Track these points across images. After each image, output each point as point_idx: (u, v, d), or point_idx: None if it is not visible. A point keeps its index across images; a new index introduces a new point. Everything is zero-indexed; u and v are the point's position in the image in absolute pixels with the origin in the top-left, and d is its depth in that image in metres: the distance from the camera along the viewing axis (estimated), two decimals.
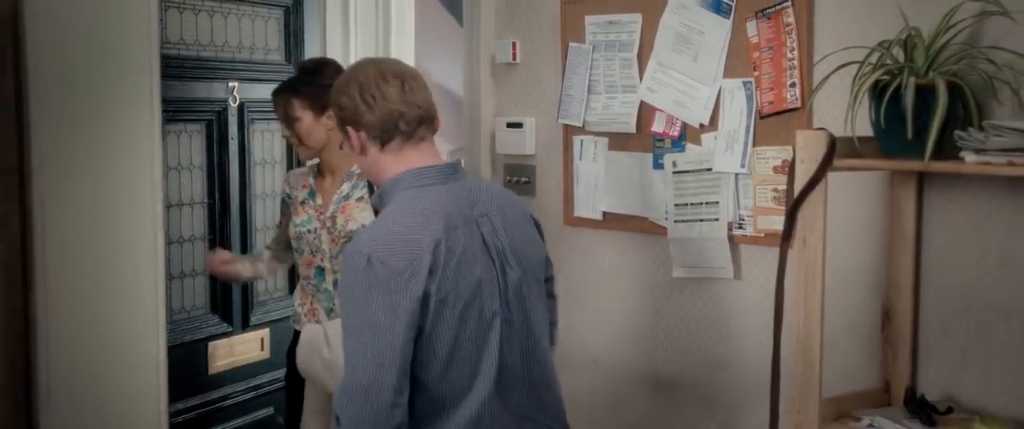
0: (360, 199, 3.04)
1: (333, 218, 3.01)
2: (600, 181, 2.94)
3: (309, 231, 3.03)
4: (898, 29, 2.18)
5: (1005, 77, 2.08)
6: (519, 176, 3.18)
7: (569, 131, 3.02)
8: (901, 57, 2.14)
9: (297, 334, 3.08)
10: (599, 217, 2.95)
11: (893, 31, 2.19)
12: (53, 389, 2.05)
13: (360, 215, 3.00)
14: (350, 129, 2.08)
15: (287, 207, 3.13)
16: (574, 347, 3.01)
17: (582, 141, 2.96)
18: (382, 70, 2.09)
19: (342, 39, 4.06)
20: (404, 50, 4.15)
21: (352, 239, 2.14)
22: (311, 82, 2.93)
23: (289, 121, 2.93)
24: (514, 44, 3.16)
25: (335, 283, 3.02)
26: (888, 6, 2.28)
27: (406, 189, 2.05)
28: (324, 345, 2.90)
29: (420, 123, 2.08)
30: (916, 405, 2.19)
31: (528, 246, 2.16)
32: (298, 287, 3.10)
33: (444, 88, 5.46)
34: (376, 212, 2.16)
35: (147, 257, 2.10)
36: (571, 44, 2.96)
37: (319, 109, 2.91)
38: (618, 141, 2.87)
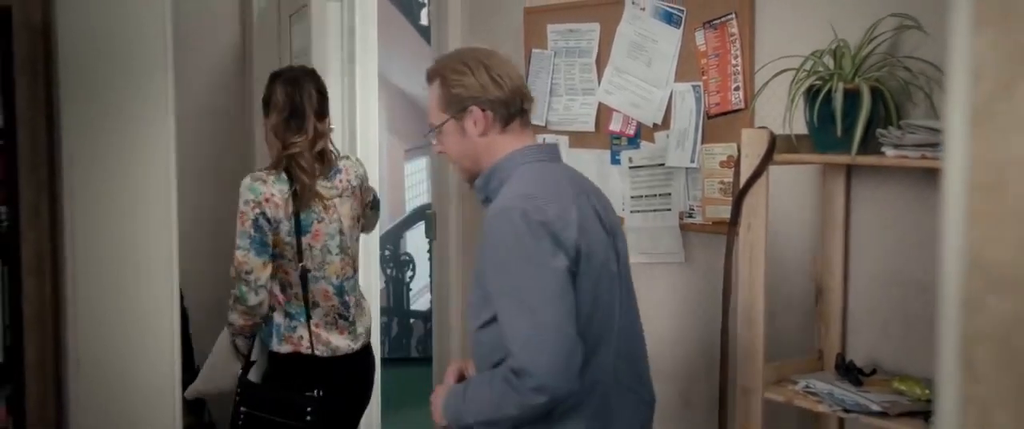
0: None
1: None
2: None
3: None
4: (829, 40, 2.29)
5: (919, 82, 2.20)
6: None
7: (533, 130, 3.18)
8: (831, 65, 2.25)
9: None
10: None
11: (824, 42, 2.30)
12: (82, 363, 2.21)
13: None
14: (473, 109, 1.97)
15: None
16: None
17: (545, 139, 3.07)
18: (495, 53, 2.06)
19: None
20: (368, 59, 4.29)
21: (495, 203, 1.95)
22: (266, 91, 2.77)
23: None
24: None
25: None
26: (820, 20, 2.39)
27: (528, 162, 1.98)
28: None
29: (530, 109, 2.06)
30: (845, 369, 2.33)
31: (620, 230, 2.11)
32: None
33: (402, 90, 5.62)
34: (486, 200, 2.02)
35: (162, 244, 2.26)
36: (534, 50, 3.11)
37: (265, 115, 2.74)
38: (578, 139, 3.03)
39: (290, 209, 2.68)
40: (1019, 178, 0.74)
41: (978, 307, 0.76)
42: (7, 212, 2.33)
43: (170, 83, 2.17)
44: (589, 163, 2.97)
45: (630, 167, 2.90)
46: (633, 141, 2.90)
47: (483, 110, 1.97)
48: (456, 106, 1.99)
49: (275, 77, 2.79)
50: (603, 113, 2.96)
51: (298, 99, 2.71)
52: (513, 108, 1.98)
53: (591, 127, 2.99)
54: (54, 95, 2.21)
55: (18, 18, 2.17)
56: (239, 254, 2.62)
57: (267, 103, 2.75)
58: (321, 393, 2.68)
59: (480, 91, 1.96)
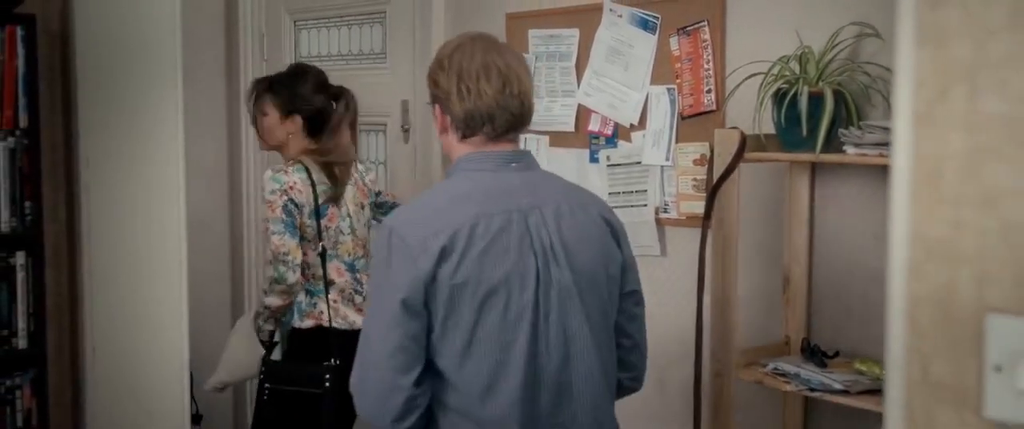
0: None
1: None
2: None
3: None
4: (794, 47, 2.40)
5: (878, 86, 2.32)
6: None
7: (506, 143, 3.26)
8: (797, 70, 2.35)
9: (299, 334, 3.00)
10: None
11: (790, 48, 2.41)
12: (97, 350, 2.32)
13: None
14: (438, 108, 1.94)
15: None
16: None
17: (525, 139, 3.14)
18: (487, 63, 1.88)
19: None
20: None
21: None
22: (287, 86, 3.04)
23: (257, 113, 3.08)
24: None
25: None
26: (786, 28, 2.49)
27: (458, 172, 1.91)
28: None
29: (509, 128, 1.91)
30: (810, 352, 2.45)
31: (587, 248, 1.90)
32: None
33: None
34: None
35: (172, 238, 2.38)
36: None
37: (286, 112, 3.01)
38: (558, 139, 3.13)
39: (311, 194, 2.94)
40: (953, 169, 0.90)
41: (919, 274, 0.92)
42: (32, 207, 2.44)
43: (180, 87, 2.29)
44: (569, 162, 3.09)
45: (608, 165, 3.01)
46: (611, 141, 3.00)
47: (443, 113, 1.93)
48: (431, 96, 1.97)
49: (321, 85, 3.12)
50: (582, 114, 3.07)
51: (341, 111, 3.09)
52: (471, 125, 1.88)
53: (571, 127, 3.10)
54: (71, 98, 2.32)
55: (40, 25, 2.29)
56: (276, 238, 2.88)
57: (296, 101, 3.07)
58: (338, 362, 2.90)
59: (444, 95, 1.90)
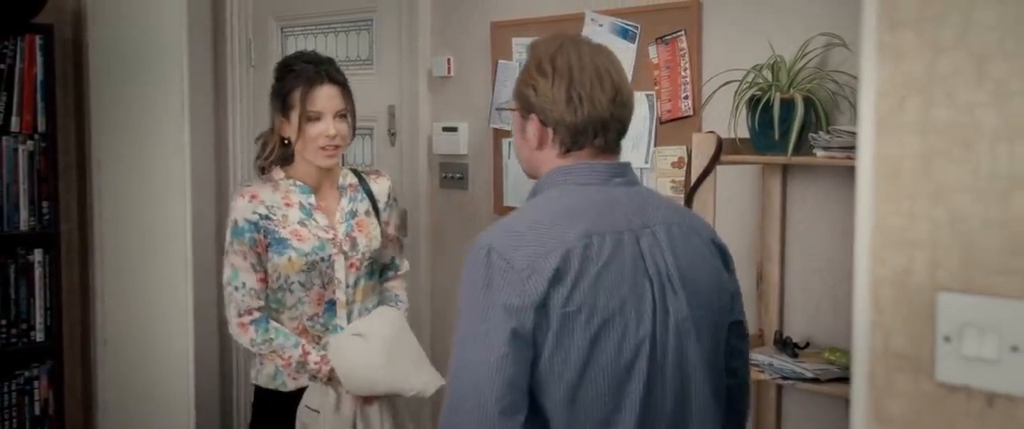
0: (368, 213, 2.62)
1: (351, 239, 2.54)
2: (526, 176, 3.29)
3: (322, 259, 2.47)
4: (767, 56, 2.48)
5: (845, 93, 2.41)
6: (453, 172, 3.50)
7: (499, 134, 3.31)
8: (769, 77, 2.43)
9: (265, 394, 2.51)
10: None
11: (763, 57, 2.48)
12: (108, 341, 2.41)
13: (376, 231, 2.60)
14: (535, 119, 1.66)
15: (255, 237, 2.44)
16: None
17: (510, 143, 3.23)
18: (598, 68, 1.65)
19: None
20: None
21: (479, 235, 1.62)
22: (276, 80, 2.57)
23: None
24: (449, 60, 3.46)
25: (351, 314, 2.54)
26: (759, 38, 2.57)
27: (557, 185, 1.66)
28: (373, 351, 2.43)
29: (618, 140, 1.70)
30: (783, 343, 2.55)
31: (702, 274, 1.68)
32: (270, 333, 2.45)
33: None
34: None
35: (177, 236, 2.47)
36: (500, 61, 3.29)
37: (280, 110, 2.51)
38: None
39: None
40: (910, 168, 1.04)
41: (881, 259, 1.06)
42: (49, 207, 2.53)
43: (186, 92, 2.38)
44: None
45: None
46: None
47: (544, 125, 1.66)
48: (523, 104, 1.69)
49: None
50: None
51: None
52: (581, 139, 1.64)
53: None
54: (85, 103, 2.41)
55: (56, 34, 2.39)
56: None
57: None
58: None
59: (550, 105, 1.64)
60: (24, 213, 2.46)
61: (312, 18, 4.04)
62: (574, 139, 1.65)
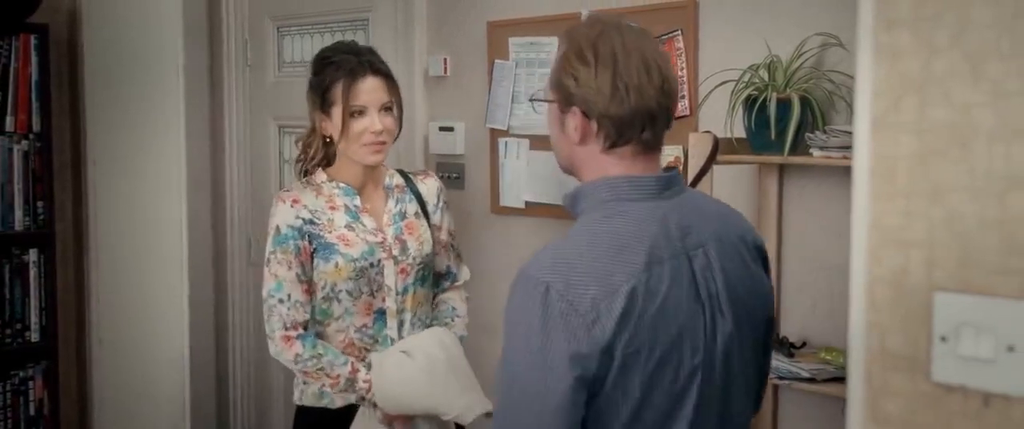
0: (417, 215, 2.47)
1: (401, 242, 2.40)
2: (523, 176, 3.27)
3: (372, 264, 2.33)
4: (763, 56, 2.46)
5: (841, 93, 2.40)
6: (450, 172, 3.50)
7: (495, 134, 3.32)
8: (766, 77, 2.42)
9: (308, 412, 2.37)
10: (522, 206, 3.27)
11: (760, 57, 2.48)
12: (104, 341, 2.41)
13: (427, 234, 2.44)
14: (577, 111, 1.53)
15: (299, 244, 2.29)
16: (500, 316, 3.20)
17: (507, 143, 3.30)
18: (645, 54, 1.52)
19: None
20: None
21: (531, 259, 1.51)
22: (313, 74, 2.40)
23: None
24: (445, 60, 3.47)
25: (402, 324, 2.39)
26: (756, 37, 2.56)
27: (604, 202, 1.53)
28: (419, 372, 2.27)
29: (663, 133, 1.58)
30: (779, 343, 2.52)
31: (746, 286, 1.61)
32: (318, 349, 2.29)
33: None
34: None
35: (173, 236, 2.47)
36: (497, 61, 3.29)
37: (319, 106, 2.36)
38: (538, 142, 3.20)
39: None
40: (905, 167, 1.04)
41: (877, 259, 1.06)
42: (44, 207, 2.53)
43: (182, 91, 2.38)
44: (548, 164, 3.06)
45: None
46: None
47: (587, 118, 1.53)
48: (562, 96, 1.56)
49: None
50: None
51: None
52: (628, 133, 1.53)
53: None
54: (79, 102, 2.41)
55: (52, 34, 2.39)
56: None
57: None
58: None
59: (593, 95, 1.51)
60: (19, 213, 2.46)
61: (308, 18, 4.04)
62: (620, 133, 1.53)
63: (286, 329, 2.27)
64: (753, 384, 1.67)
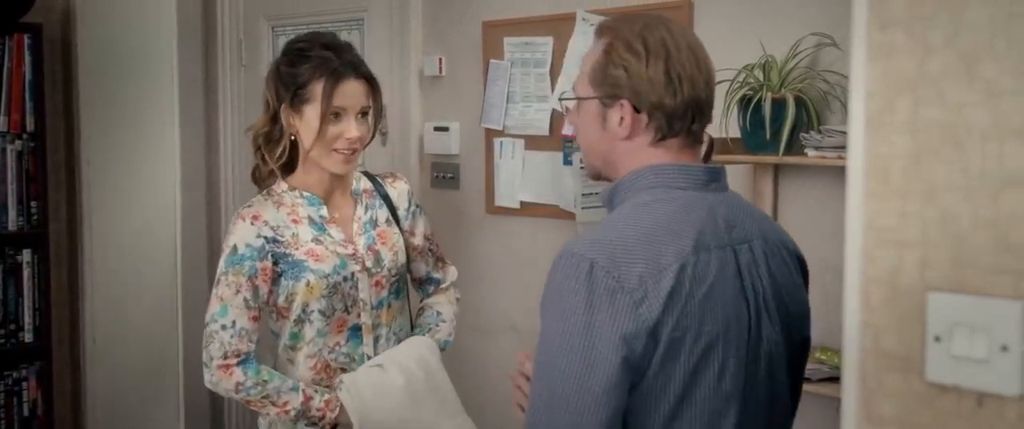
0: (389, 222, 2.29)
1: (374, 253, 2.22)
2: (518, 176, 3.27)
3: (345, 279, 2.15)
4: (758, 56, 2.47)
5: (836, 93, 2.40)
6: (445, 172, 3.51)
7: (490, 134, 3.32)
8: (761, 77, 2.42)
9: None
10: (517, 206, 3.27)
11: (754, 57, 2.48)
12: (97, 339, 2.40)
13: (400, 242, 2.28)
14: (625, 104, 1.47)
15: (256, 265, 2.09)
16: (496, 317, 3.28)
17: (502, 142, 3.30)
18: (693, 47, 1.49)
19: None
20: None
21: (567, 243, 1.43)
22: (285, 65, 2.18)
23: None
24: (440, 59, 3.47)
25: (378, 339, 2.22)
26: (750, 38, 2.56)
27: (650, 188, 1.47)
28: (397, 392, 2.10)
29: (707, 124, 1.56)
30: None
31: (791, 295, 1.56)
32: (263, 375, 2.10)
33: None
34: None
35: (167, 236, 2.47)
36: (492, 61, 3.29)
37: (289, 101, 2.15)
38: (533, 142, 3.22)
39: None
40: (900, 167, 1.04)
41: (871, 259, 1.06)
42: (37, 207, 2.52)
43: (176, 91, 2.39)
44: (543, 164, 3.20)
45: (581, 168, 3.04)
46: None
47: (636, 110, 1.48)
48: (609, 89, 1.49)
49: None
50: (557, 118, 3.15)
51: None
52: (679, 125, 1.49)
53: (545, 131, 3.19)
54: (73, 102, 2.41)
55: (44, 33, 2.38)
56: None
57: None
58: None
59: (646, 87, 1.46)
60: (12, 213, 2.45)
61: (303, 17, 4.03)
62: (671, 125, 1.49)
63: (226, 357, 2.07)
64: (788, 406, 1.58)
